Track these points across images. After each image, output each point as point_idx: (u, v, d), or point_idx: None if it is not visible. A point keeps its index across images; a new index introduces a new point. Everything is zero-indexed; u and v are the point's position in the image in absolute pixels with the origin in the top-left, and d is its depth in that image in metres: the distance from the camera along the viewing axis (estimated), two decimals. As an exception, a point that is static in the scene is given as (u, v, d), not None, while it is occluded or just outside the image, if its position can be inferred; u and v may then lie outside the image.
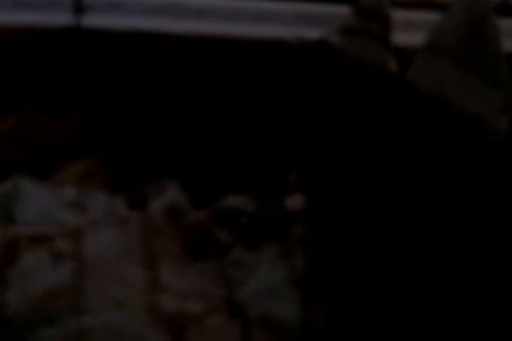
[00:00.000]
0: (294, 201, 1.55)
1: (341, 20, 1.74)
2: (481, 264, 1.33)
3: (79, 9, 1.67)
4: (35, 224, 1.37)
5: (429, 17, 1.71)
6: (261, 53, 1.69)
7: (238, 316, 1.33)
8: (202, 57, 1.70)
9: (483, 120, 1.42)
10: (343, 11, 1.77)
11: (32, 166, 1.53)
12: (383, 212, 1.52)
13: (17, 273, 1.27)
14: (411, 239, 1.43)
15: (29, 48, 1.61)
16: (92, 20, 1.65)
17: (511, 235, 1.32)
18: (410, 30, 1.73)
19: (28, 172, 1.48)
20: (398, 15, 1.67)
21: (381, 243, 1.51)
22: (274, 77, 1.71)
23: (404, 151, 1.47)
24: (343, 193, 1.61)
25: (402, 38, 1.67)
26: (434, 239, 1.39)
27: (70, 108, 1.65)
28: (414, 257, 1.47)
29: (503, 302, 1.29)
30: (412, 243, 1.43)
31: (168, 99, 1.70)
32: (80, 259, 1.31)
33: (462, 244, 1.39)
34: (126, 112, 1.69)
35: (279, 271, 1.42)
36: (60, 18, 1.67)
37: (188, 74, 1.71)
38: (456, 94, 1.51)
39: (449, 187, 1.38)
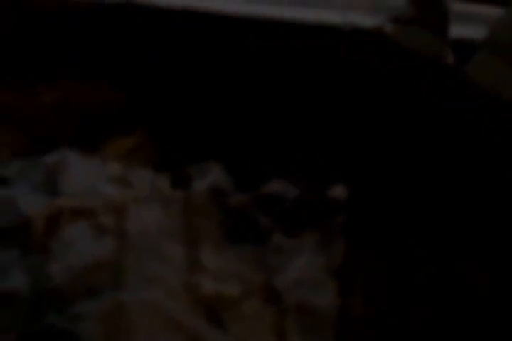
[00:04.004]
0: (337, 190, 1.53)
1: (396, 10, 1.70)
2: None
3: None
4: (79, 198, 1.37)
5: (491, 11, 1.66)
6: (312, 37, 1.67)
7: (274, 302, 1.33)
8: (253, 39, 1.68)
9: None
10: (398, 1, 1.73)
11: (77, 139, 1.54)
12: (423, 206, 1.50)
13: (59, 245, 1.28)
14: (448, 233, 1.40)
15: (82, 20, 1.61)
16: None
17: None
18: (470, 23, 1.68)
19: (74, 145, 1.49)
20: (458, 7, 1.63)
21: (419, 236, 1.49)
22: (326, 62, 1.69)
23: (458, 145, 1.44)
24: (386, 185, 1.59)
25: (461, 31, 1.63)
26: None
27: (118, 82, 1.64)
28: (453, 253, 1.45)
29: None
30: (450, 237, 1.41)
31: (216, 81, 1.68)
32: (122, 235, 1.31)
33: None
34: (174, 91, 1.68)
35: (318, 259, 1.41)
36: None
37: (238, 56, 1.69)
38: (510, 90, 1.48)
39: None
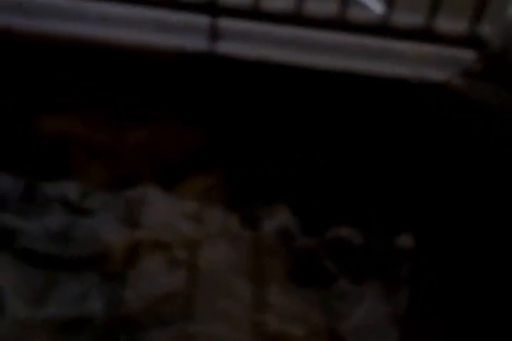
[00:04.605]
0: (404, 239, 1.55)
1: (465, 64, 1.75)
2: None
3: (215, 36, 1.79)
4: (156, 231, 1.45)
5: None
6: (385, 90, 1.73)
7: (338, 346, 1.34)
8: (324, 90, 1.76)
9: None
10: (468, 54, 1.78)
11: (158, 176, 1.63)
12: (489, 260, 1.49)
13: (136, 275, 1.35)
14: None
15: (167, 67, 1.73)
16: (226, 47, 1.76)
17: None
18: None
19: (155, 181, 1.58)
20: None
21: (483, 291, 1.47)
22: (393, 115, 1.74)
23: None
24: (453, 236, 1.59)
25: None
26: None
27: (200, 125, 1.74)
28: None
29: None
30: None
31: (289, 127, 1.76)
32: (194, 269, 1.37)
33: None
34: (249, 134, 1.76)
35: (382, 307, 1.41)
36: (196, 43, 1.78)
37: (309, 105, 1.76)
38: None
39: None
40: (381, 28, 1.81)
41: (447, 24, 1.80)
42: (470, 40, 1.77)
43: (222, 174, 1.65)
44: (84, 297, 1.28)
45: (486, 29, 1.75)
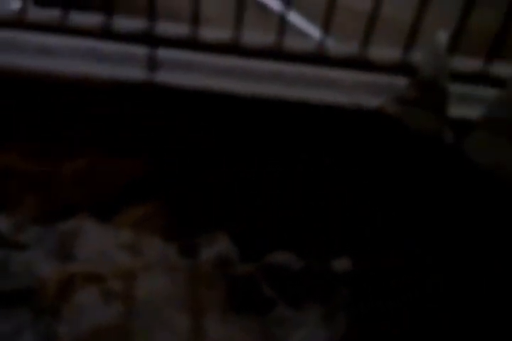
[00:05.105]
0: (341, 263, 1.57)
1: (398, 90, 1.81)
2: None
3: (153, 66, 1.80)
4: (91, 263, 1.43)
5: (487, 92, 1.75)
6: (322, 118, 1.77)
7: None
8: (264, 117, 1.78)
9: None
10: (401, 81, 1.84)
11: (94, 208, 1.61)
12: (430, 281, 1.52)
13: (70, 309, 1.32)
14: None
15: (104, 98, 1.73)
16: (165, 77, 1.77)
17: None
18: (468, 103, 1.78)
19: (90, 213, 1.56)
20: (456, 88, 1.73)
21: (426, 311, 1.50)
22: (329, 141, 1.78)
23: (456, 219, 1.49)
24: (390, 259, 1.62)
25: (459, 111, 1.72)
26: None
27: (137, 155, 1.74)
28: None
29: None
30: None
31: (229, 156, 1.77)
32: (130, 300, 1.35)
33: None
34: (187, 164, 1.77)
35: (321, 332, 1.42)
36: (134, 73, 1.79)
37: (250, 133, 1.79)
38: (510, 168, 1.54)
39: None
40: (317, 57, 1.86)
41: (380, 52, 1.86)
42: (402, 68, 1.83)
43: (159, 204, 1.65)
44: (17, 333, 1.25)
45: (417, 56, 1.82)
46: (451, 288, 1.56)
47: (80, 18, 1.80)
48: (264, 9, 2.65)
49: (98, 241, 1.49)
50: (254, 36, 1.85)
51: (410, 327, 1.47)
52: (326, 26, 1.81)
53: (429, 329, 1.48)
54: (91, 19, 1.81)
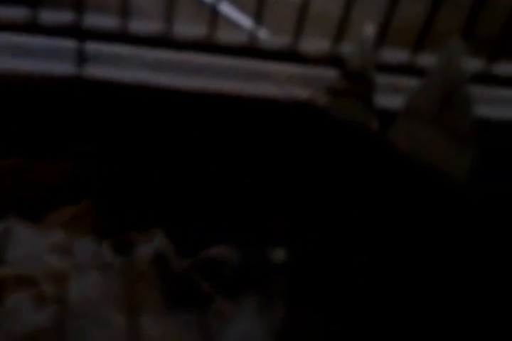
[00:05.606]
0: (277, 253, 1.60)
1: (329, 82, 1.84)
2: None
3: (81, 60, 1.76)
4: (22, 266, 1.41)
5: (412, 82, 1.81)
6: (253, 110, 1.78)
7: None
8: (196, 110, 1.78)
9: (450, 175, 1.52)
10: (332, 73, 1.87)
11: (24, 208, 1.58)
12: (364, 269, 1.57)
13: (1, 313, 1.30)
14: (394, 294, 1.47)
15: (30, 96, 1.69)
16: (95, 71, 1.74)
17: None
18: (393, 93, 1.83)
19: (20, 215, 1.53)
20: (382, 79, 1.77)
21: (363, 296, 1.55)
22: (263, 133, 1.79)
23: (382, 205, 1.54)
24: (325, 247, 1.66)
25: (385, 100, 1.76)
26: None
27: (66, 154, 1.71)
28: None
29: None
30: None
31: (160, 151, 1.76)
32: (63, 302, 1.34)
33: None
34: (121, 161, 1.75)
35: (259, 322, 1.45)
36: (62, 68, 1.75)
37: (182, 127, 1.78)
38: (428, 153, 1.61)
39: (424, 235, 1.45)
40: (249, 50, 1.87)
41: (311, 44, 1.88)
42: (332, 60, 1.86)
43: (90, 203, 1.63)
44: None
45: (347, 48, 1.85)
46: (389, 270, 1.61)
47: (4, 12, 1.74)
48: (199, 0, 2.63)
49: (28, 243, 1.46)
50: (186, 28, 1.84)
51: (348, 315, 1.52)
52: (259, 18, 1.82)
53: (368, 314, 1.53)
54: (16, 12, 1.75)
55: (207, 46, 1.85)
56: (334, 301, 1.53)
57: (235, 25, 2.61)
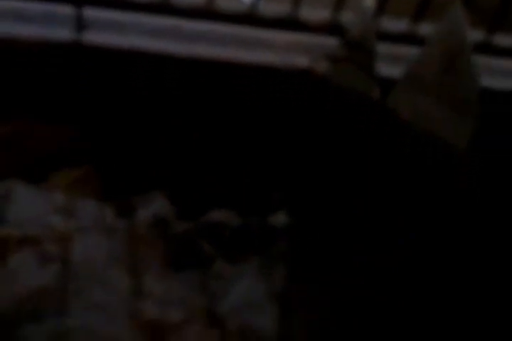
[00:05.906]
0: (278, 217, 1.61)
1: (329, 50, 1.83)
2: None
3: (80, 26, 1.75)
4: (25, 227, 1.41)
5: (413, 51, 1.80)
6: (254, 78, 1.78)
7: (217, 326, 1.37)
8: (195, 77, 1.78)
9: (450, 142, 1.52)
10: (333, 41, 1.86)
11: (26, 172, 1.58)
12: (363, 230, 1.58)
13: (5, 272, 1.30)
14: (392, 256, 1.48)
15: (30, 60, 1.68)
16: (93, 37, 1.72)
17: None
18: (394, 62, 1.82)
19: (22, 177, 1.53)
20: (383, 47, 1.77)
21: (361, 261, 1.56)
22: (262, 100, 1.79)
23: (383, 170, 1.55)
24: (325, 211, 1.67)
25: (386, 70, 1.76)
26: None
27: (66, 119, 1.70)
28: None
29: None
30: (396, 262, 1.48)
31: (161, 116, 1.76)
32: (66, 262, 1.35)
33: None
34: (121, 125, 1.75)
35: (260, 285, 1.46)
36: (61, 33, 1.73)
37: (182, 93, 1.78)
38: (428, 121, 1.61)
39: (421, 198, 1.46)
40: (248, 18, 1.85)
41: (311, 13, 1.87)
42: (333, 28, 1.85)
43: (92, 167, 1.63)
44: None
45: (347, 17, 1.84)
46: (392, 245, 1.62)
47: (2, -23, 1.72)
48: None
49: (31, 204, 1.46)
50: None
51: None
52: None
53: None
54: (12, -22, 1.73)
55: (207, 13, 1.84)
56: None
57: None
